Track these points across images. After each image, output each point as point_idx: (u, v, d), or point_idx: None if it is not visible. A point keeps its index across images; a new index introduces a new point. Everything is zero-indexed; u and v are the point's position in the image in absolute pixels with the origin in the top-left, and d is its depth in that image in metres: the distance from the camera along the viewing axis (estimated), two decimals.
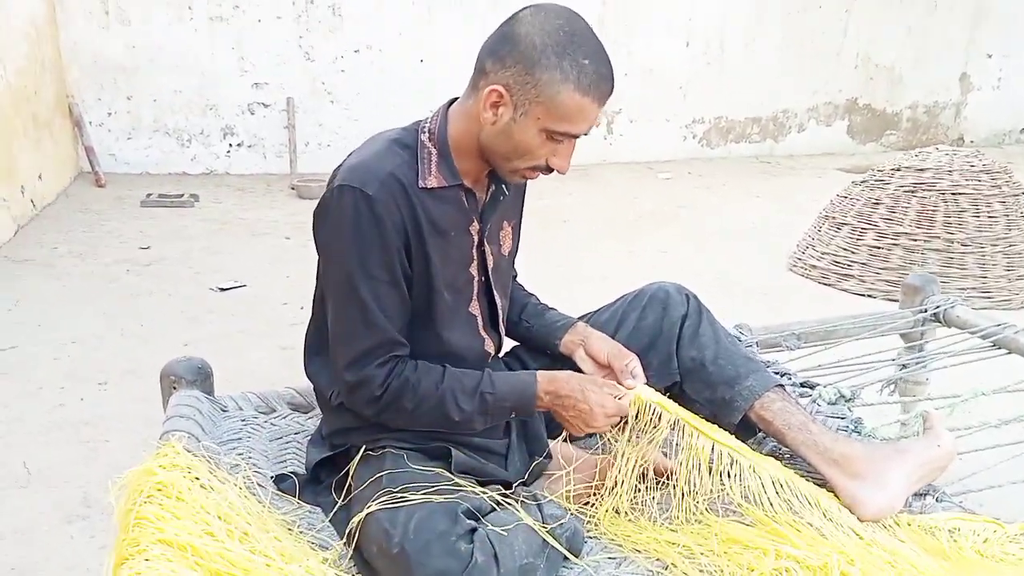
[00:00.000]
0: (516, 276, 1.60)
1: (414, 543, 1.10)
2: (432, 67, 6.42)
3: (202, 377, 1.53)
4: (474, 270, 1.37)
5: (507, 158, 1.26)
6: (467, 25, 6.43)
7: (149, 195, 5.28)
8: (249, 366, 3.01)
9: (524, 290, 1.61)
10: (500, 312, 1.44)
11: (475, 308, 1.39)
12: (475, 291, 1.38)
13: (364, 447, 1.32)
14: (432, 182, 1.27)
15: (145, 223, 4.80)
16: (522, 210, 1.52)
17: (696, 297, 1.56)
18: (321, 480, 1.37)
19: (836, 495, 1.34)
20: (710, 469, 1.31)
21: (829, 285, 3.89)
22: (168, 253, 4.29)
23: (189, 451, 1.23)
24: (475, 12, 6.43)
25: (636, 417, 1.34)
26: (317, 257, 1.33)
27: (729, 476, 1.32)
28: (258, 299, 3.68)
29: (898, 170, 3.99)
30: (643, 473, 1.38)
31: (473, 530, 1.14)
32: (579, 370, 1.46)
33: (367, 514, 1.14)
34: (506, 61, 1.20)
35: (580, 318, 1.59)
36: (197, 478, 1.14)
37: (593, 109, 1.21)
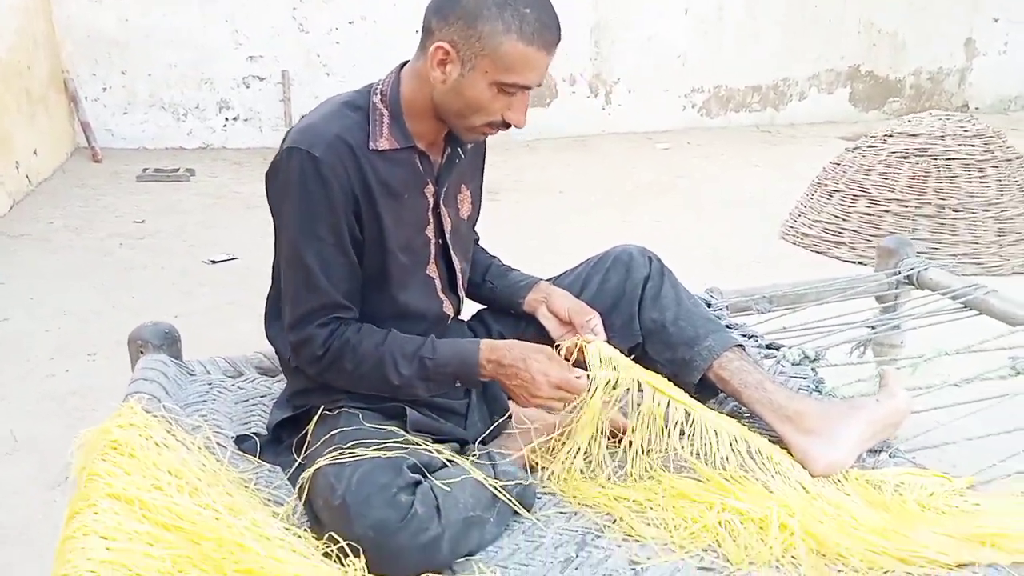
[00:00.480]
0: (478, 240, 1.61)
1: (355, 495, 1.12)
2: None
3: (169, 341, 1.56)
4: (430, 232, 1.38)
5: (461, 115, 1.26)
6: None
7: (145, 170, 5.30)
8: (240, 337, 3.03)
9: (486, 252, 1.62)
10: (459, 275, 1.46)
11: (432, 271, 1.41)
12: (432, 253, 1.40)
13: (323, 407, 1.34)
14: (383, 144, 1.28)
15: (140, 198, 4.82)
16: (482, 174, 1.53)
17: (659, 259, 1.57)
18: (282, 440, 1.39)
19: (789, 451, 1.36)
20: (665, 426, 1.33)
21: (821, 253, 3.88)
22: (163, 227, 4.32)
23: (148, 412, 1.25)
24: None
25: (594, 370, 1.34)
26: (272, 221, 1.35)
27: (683, 433, 1.34)
28: (250, 271, 3.70)
29: (891, 136, 3.96)
30: (600, 430, 1.39)
31: (417, 484, 1.16)
32: (543, 331, 1.48)
33: (316, 469, 1.17)
34: (449, 18, 1.21)
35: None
36: (150, 436, 1.16)
37: (540, 58, 1.21)
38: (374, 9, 6.27)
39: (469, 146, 1.41)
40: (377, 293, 1.34)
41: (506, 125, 1.28)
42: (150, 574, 0.92)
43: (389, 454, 1.17)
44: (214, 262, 3.79)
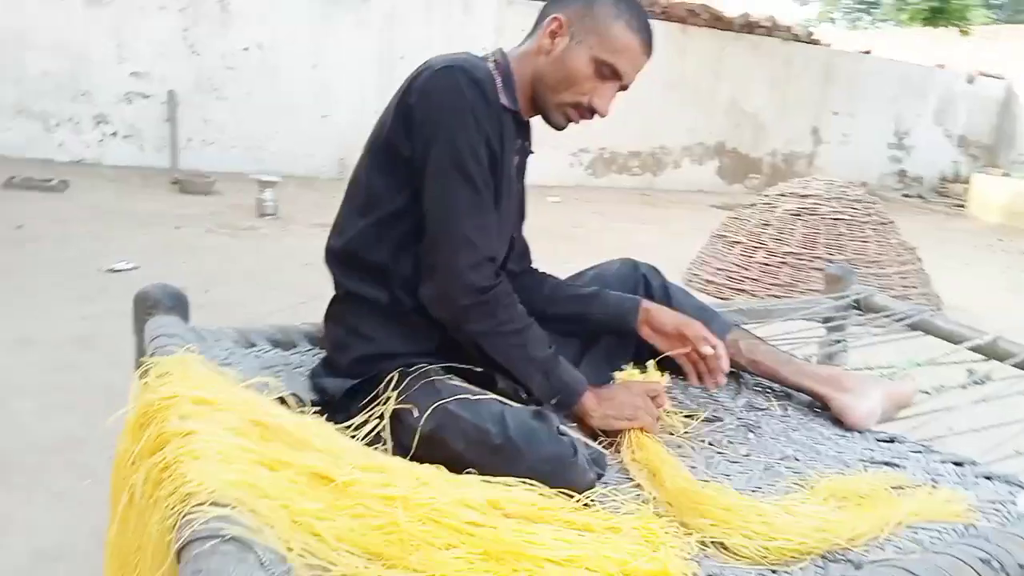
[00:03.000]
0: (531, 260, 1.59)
1: (518, 432, 1.09)
2: (325, 72, 6.33)
3: (180, 304, 1.44)
4: (514, 196, 1.41)
5: (556, 88, 1.29)
6: (361, 30, 6.39)
7: (12, 178, 4.87)
8: None
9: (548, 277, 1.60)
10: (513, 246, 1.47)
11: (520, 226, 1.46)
12: (512, 211, 1.42)
13: (398, 369, 1.25)
14: (505, 102, 1.29)
15: (12, 205, 4.41)
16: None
17: (648, 267, 1.66)
18: (349, 408, 1.29)
19: (828, 406, 1.49)
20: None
21: (724, 299, 4.12)
22: (44, 233, 3.96)
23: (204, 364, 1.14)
24: (370, 18, 6.42)
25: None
26: (408, 140, 1.23)
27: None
28: (153, 282, 3.45)
29: (783, 195, 4.31)
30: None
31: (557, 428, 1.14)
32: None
33: (440, 413, 1.11)
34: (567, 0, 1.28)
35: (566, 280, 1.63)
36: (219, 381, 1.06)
37: (638, 53, 1.29)
38: (270, 38, 6.16)
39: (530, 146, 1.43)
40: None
41: (591, 112, 1.31)
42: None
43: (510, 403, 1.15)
44: (113, 271, 3.51)
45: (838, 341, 2.21)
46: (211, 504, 0.82)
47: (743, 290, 4.08)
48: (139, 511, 0.90)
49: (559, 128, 1.36)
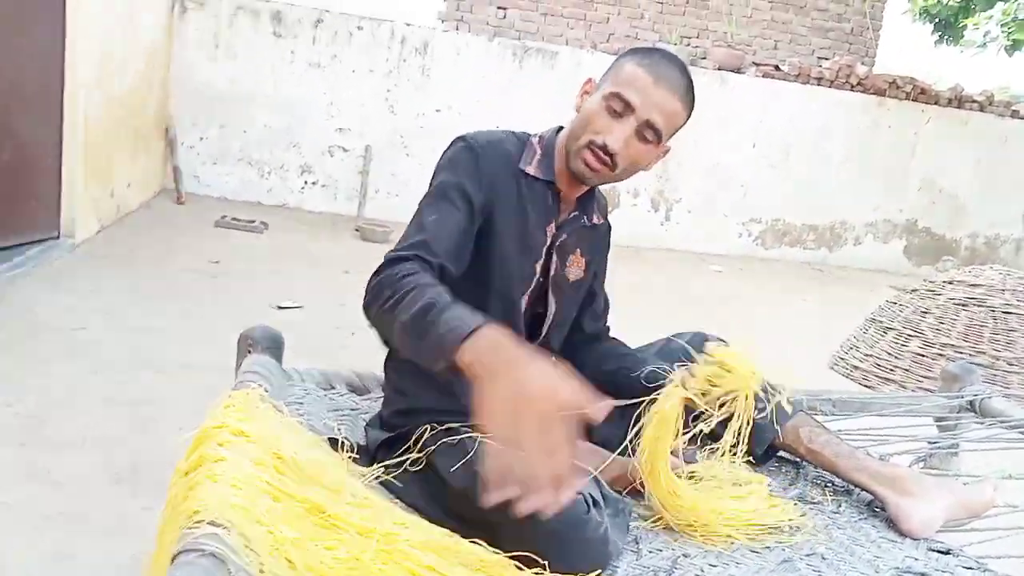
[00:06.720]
0: (607, 328, 1.66)
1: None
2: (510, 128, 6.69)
3: (275, 345, 1.67)
4: (538, 267, 1.44)
5: (575, 135, 1.38)
6: (541, 99, 6.69)
7: (223, 217, 5.56)
8: None
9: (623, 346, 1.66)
10: (548, 319, 1.48)
11: (524, 301, 1.44)
12: (531, 288, 1.45)
13: (428, 428, 1.34)
14: (531, 169, 1.42)
15: (216, 241, 5.05)
16: (603, 258, 1.59)
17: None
18: (384, 459, 1.43)
19: (885, 508, 1.46)
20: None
21: (870, 387, 3.90)
22: (234, 269, 4.51)
23: (263, 401, 1.34)
24: (550, 87, 6.70)
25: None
26: None
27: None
28: (312, 321, 3.84)
29: (950, 283, 4.02)
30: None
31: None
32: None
33: (473, 470, 1.17)
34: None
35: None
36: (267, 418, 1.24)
37: (649, 84, 1.32)
38: (460, 101, 6.63)
39: (595, 220, 1.52)
40: (475, 287, 1.36)
41: (605, 152, 1.34)
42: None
43: None
44: (280, 308, 3.94)
45: (949, 444, 2.09)
46: (208, 523, 0.99)
47: (891, 380, 3.84)
48: (166, 522, 1.10)
49: (583, 178, 1.40)
